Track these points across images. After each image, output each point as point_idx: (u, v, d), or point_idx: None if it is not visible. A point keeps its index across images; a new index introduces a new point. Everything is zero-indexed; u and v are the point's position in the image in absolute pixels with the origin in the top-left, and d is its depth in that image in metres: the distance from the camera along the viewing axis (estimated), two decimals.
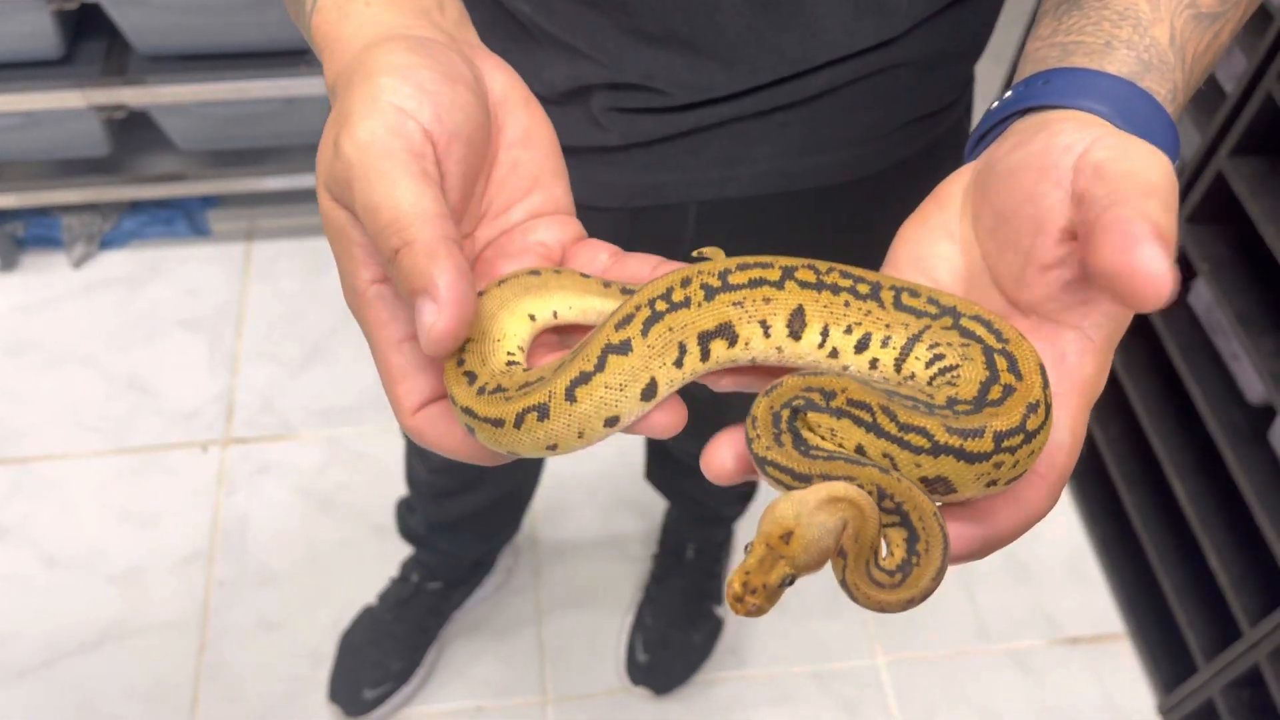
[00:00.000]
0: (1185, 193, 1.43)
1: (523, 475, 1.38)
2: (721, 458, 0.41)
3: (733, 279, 0.41)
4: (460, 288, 0.37)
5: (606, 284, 0.46)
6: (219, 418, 1.80)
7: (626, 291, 0.46)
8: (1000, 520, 0.38)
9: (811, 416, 0.39)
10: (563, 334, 0.46)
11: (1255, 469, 1.35)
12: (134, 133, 1.91)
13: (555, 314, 0.44)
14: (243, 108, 1.79)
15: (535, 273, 0.45)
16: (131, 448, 1.77)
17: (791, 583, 0.37)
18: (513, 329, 0.43)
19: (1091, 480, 1.74)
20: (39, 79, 1.72)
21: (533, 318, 0.44)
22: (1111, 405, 1.69)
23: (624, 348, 0.40)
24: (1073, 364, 0.39)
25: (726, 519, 1.55)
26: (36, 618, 1.58)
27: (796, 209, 0.79)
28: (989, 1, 0.73)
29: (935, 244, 0.44)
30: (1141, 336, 1.61)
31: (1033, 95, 0.45)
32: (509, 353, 0.43)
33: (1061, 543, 1.71)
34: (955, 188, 0.45)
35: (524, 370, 0.42)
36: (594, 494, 1.74)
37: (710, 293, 0.41)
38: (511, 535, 1.53)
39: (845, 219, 0.82)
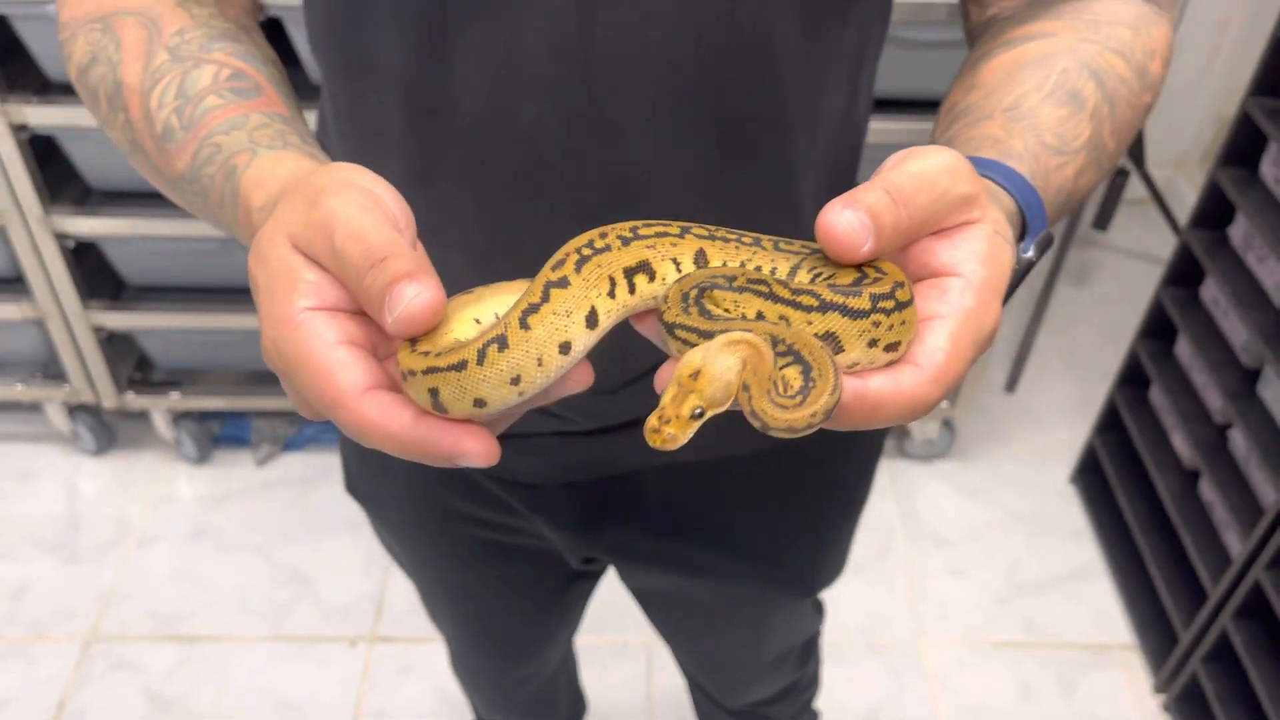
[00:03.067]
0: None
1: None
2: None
3: (641, 232, 0.47)
4: (438, 282, 0.43)
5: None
6: (369, 616, 1.94)
7: None
8: (874, 386, 0.43)
9: (716, 294, 0.45)
10: None
11: None
12: None
13: (496, 315, 0.48)
14: None
15: (468, 291, 0.49)
16: (288, 636, 1.91)
17: (702, 415, 0.42)
18: (458, 331, 0.46)
19: None
20: None
21: (478, 321, 0.48)
22: (1235, 691, 1.70)
23: (563, 283, 0.44)
24: (954, 296, 0.46)
25: None
26: None
27: (739, 470, 0.89)
28: None
29: None
30: (1259, 619, 1.64)
31: None
32: (457, 339, 0.46)
33: None
34: None
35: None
36: None
37: (625, 241, 0.47)
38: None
39: (779, 481, 0.92)
